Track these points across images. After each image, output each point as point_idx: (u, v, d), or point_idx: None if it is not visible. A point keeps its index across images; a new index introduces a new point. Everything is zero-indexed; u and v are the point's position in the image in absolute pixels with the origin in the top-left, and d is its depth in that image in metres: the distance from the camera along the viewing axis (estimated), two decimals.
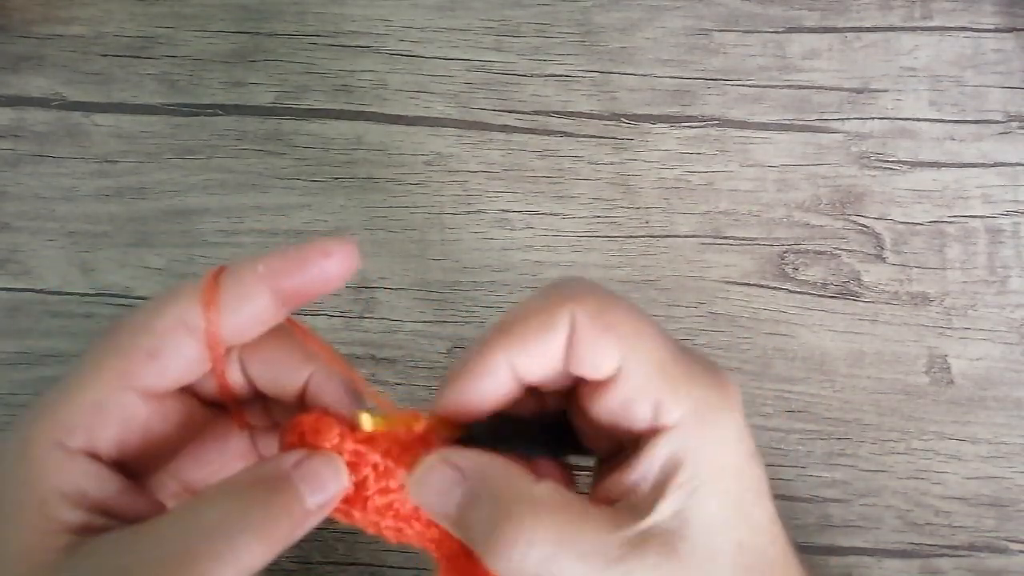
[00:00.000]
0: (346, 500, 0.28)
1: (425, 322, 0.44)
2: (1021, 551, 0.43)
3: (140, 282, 0.45)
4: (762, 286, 0.45)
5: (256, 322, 0.27)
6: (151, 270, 0.45)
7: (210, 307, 0.26)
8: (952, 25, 0.48)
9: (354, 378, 0.29)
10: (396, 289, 0.45)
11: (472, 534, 0.26)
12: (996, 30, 0.48)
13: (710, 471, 0.26)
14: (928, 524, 0.43)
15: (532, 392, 0.29)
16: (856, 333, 0.45)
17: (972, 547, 0.43)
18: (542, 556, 0.25)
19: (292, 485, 0.26)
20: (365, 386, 0.29)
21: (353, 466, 0.28)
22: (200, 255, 0.45)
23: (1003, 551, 0.43)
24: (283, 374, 0.29)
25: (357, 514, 0.28)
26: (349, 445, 0.28)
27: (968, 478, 0.43)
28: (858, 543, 0.43)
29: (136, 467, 0.28)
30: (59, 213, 0.46)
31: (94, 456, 0.26)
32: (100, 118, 0.47)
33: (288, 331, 0.29)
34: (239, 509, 0.25)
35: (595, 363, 0.27)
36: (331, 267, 0.27)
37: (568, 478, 0.29)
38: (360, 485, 0.28)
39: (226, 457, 0.31)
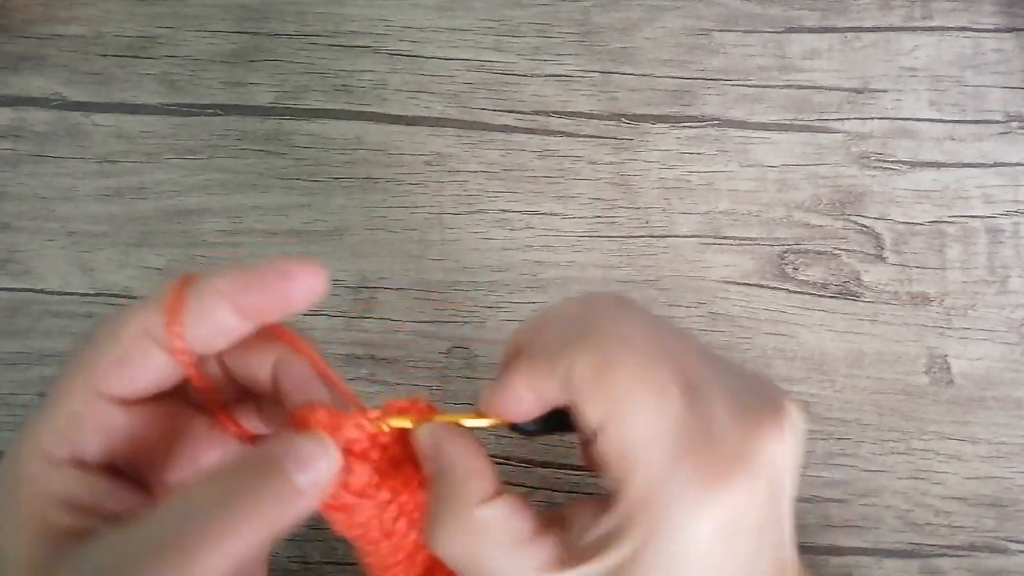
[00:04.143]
0: (343, 497, 0.28)
1: (425, 322, 0.44)
2: (1021, 551, 0.43)
3: (140, 282, 0.45)
4: (762, 286, 0.45)
5: (219, 333, 0.27)
6: (151, 270, 0.45)
7: (172, 318, 0.26)
8: (952, 25, 0.48)
9: (329, 374, 0.29)
10: (396, 289, 0.45)
11: (429, 504, 0.28)
12: (996, 30, 0.48)
13: (666, 555, 0.25)
14: (928, 524, 0.43)
15: None
16: (856, 333, 0.45)
17: (972, 547, 0.43)
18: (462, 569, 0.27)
19: (280, 465, 0.25)
20: (340, 381, 0.30)
21: (360, 456, 0.28)
22: (200, 255, 0.45)
23: (1003, 551, 0.43)
24: (251, 361, 0.29)
25: (349, 513, 0.28)
26: (363, 443, 0.28)
27: (968, 478, 0.43)
28: (858, 543, 0.43)
29: (132, 471, 0.28)
30: (59, 213, 0.46)
31: (81, 463, 0.27)
32: (100, 118, 0.47)
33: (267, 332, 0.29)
34: (225, 492, 0.24)
35: (579, 415, 0.27)
36: (292, 289, 0.27)
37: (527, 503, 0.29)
38: (362, 482, 0.28)
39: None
